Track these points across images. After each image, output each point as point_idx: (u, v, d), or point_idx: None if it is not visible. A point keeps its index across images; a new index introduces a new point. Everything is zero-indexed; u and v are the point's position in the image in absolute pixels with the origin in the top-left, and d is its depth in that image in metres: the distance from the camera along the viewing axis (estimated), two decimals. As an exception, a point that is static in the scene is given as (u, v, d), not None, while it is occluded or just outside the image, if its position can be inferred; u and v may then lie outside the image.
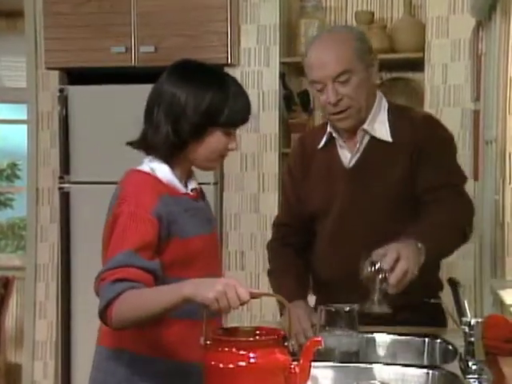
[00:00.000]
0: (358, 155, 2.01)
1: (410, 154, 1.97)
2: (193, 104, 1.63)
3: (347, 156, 2.02)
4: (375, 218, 1.98)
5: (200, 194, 1.77)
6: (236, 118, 1.67)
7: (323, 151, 2.06)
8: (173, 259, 1.60)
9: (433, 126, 2.04)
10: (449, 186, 1.95)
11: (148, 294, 1.50)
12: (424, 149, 1.97)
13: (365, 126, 1.99)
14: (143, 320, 1.49)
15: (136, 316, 1.48)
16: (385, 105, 2.04)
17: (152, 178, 1.65)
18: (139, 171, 1.67)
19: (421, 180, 1.97)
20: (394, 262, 1.71)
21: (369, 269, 1.66)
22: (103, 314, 1.50)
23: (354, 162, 2.01)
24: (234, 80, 1.70)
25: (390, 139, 1.99)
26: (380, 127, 2.00)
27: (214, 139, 1.66)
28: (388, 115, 2.02)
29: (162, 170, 1.66)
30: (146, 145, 1.69)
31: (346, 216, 2.01)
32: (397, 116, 2.02)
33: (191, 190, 1.72)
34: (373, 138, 2.00)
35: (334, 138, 2.04)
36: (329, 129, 2.05)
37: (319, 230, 2.08)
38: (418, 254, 1.77)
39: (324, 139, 2.06)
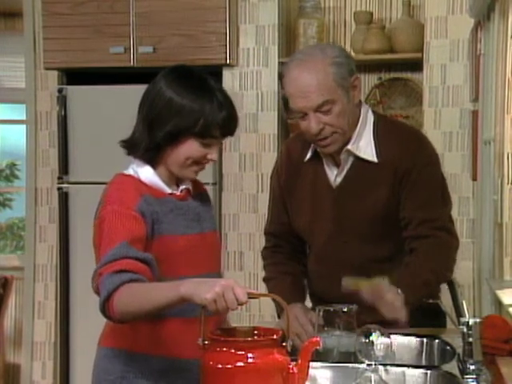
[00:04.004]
0: (343, 174, 1.98)
1: (395, 174, 1.94)
2: (168, 111, 1.63)
3: (333, 173, 2.00)
4: (364, 237, 1.97)
5: (198, 195, 1.78)
6: (212, 129, 1.65)
7: (309, 165, 2.03)
8: (158, 259, 1.61)
9: (419, 148, 1.98)
10: (426, 222, 1.92)
11: (147, 288, 1.50)
12: (409, 173, 1.93)
13: (349, 147, 1.95)
14: (142, 314, 1.50)
15: (135, 309, 1.48)
16: (370, 119, 1.99)
17: (134, 179, 1.67)
18: (123, 174, 1.69)
19: (402, 211, 1.95)
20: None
21: (363, 339, 1.65)
22: (105, 306, 1.50)
23: (339, 181, 1.99)
24: (221, 92, 1.68)
25: (375, 159, 1.95)
26: (365, 146, 1.96)
27: (188, 148, 1.65)
28: (374, 131, 1.97)
29: (144, 172, 1.68)
30: (128, 144, 1.71)
31: (332, 236, 2.00)
32: (383, 132, 1.97)
33: (181, 191, 1.73)
34: (358, 158, 1.96)
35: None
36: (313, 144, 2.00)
37: (309, 243, 2.09)
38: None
39: (310, 152, 2.02)
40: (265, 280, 2.14)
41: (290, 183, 2.06)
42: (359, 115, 1.97)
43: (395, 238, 1.97)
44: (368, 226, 1.97)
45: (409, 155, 1.95)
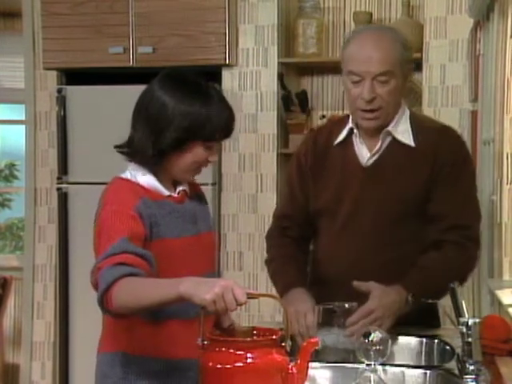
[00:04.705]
0: (378, 155, 2.01)
1: (431, 165, 1.97)
2: (175, 118, 1.64)
3: (365, 155, 2.02)
4: (386, 220, 1.98)
5: (194, 196, 1.79)
6: (218, 132, 1.67)
7: (339, 147, 2.05)
8: (156, 261, 1.60)
9: (458, 143, 2.04)
10: (458, 228, 1.95)
11: (146, 283, 1.50)
12: (445, 170, 1.96)
13: (389, 128, 1.99)
14: (139, 309, 1.50)
15: (133, 303, 1.48)
16: (407, 113, 2.05)
17: (132, 183, 1.68)
18: (121, 178, 1.70)
19: (433, 209, 1.97)
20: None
21: (362, 339, 1.65)
22: (103, 298, 1.49)
23: (372, 161, 2.01)
24: (218, 94, 1.70)
25: (412, 144, 1.99)
26: (403, 131, 2.01)
27: (195, 153, 1.67)
28: (410, 123, 2.03)
29: (143, 176, 1.68)
30: (128, 150, 1.71)
31: (357, 214, 2.00)
32: (419, 126, 2.03)
33: (178, 193, 1.73)
34: (395, 141, 2.00)
35: (351, 134, 2.04)
36: (350, 124, 2.03)
37: (326, 226, 2.07)
38: (402, 306, 1.85)
39: (343, 134, 2.04)
40: (268, 261, 2.13)
41: (317, 166, 2.07)
42: (400, 106, 2.03)
43: (420, 224, 1.98)
44: (395, 208, 1.97)
45: (448, 147, 1.99)
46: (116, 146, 1.73)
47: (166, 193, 1.70)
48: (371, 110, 1.95)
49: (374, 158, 2.01)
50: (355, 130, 2.03)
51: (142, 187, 1.67)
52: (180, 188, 1.74)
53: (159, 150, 1.66)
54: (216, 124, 1.66)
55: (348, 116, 2.07)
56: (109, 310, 1.51)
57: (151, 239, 1.62)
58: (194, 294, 1.37)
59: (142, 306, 1.48)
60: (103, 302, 1.49)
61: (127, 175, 1.70)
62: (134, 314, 1.54)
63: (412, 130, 2.01)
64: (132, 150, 1.70)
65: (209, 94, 1.68)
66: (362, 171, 2.01)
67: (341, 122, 2.09)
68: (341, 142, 2.05)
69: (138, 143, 1.68)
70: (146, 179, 1.68)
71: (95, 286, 1.53)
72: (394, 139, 2.00)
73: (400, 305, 1.86)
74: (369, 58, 1.92)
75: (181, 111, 1.64)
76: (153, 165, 1.68)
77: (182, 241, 1.68)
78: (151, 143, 1.66)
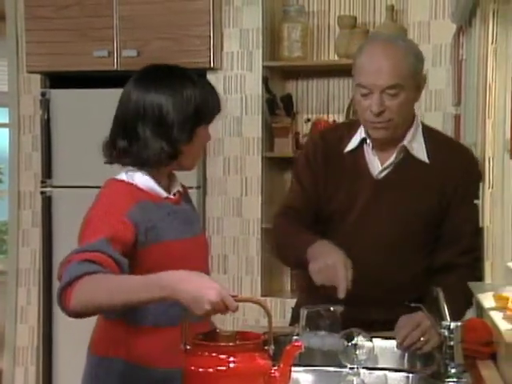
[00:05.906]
0: (390, 169, 2.00)
1: (444, 184, 1.97)
2: (179, 111, 1.63)
3: (377, 167, 2.00)
4: (392, 234, 1.98)
5: (183, 197, 1.78)
6: (215, 111, 1.71)
7: (350, 155, 2.02)
8: (155, 265, 1.58)
9: (472, 168, 2.06)
10: (471, 252, 2.01)
11: (121, 280, 1.44)
12: (459, 192, 1.98)
13: (405, 143, 1.98)
14: (107, 306, 1.43)
15: (100, 300, 1.41)
16: (420, 125, 2.04)
17: (130, 186, 1.64)
18: (117, 180, 1.66)
19: (447, 231, 1.99)
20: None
21: (346, 343, 1.65)
22: (62, 293, 1.43)
23: (384, 174, 2.00)
24: (201, 77, 1.73)
25: (426, 160, 1.99)
26: (417, 147, 2.00)
27: (202, 136, 1.70)
28: (424, 138, 2.02)
29: (140, 178, 1.65)
30: (134, 160, 1.65)
31: (363, 226, 1.99)
32: (432, 141, 2.02)
33: (173, 194, 1.72)
34: (408, 156, 1.99)
35: (363, 144, 2.01)
36: (363, 134, 2.01)
37: (332, 232, 2.03)
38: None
39: (354, 143, 2.02)
40: (278, 245, 2.06)
41: (325, 168, 2.04)
42: (414, 117, 2.02)
43: (425, 242, 1.99)
44: (403, 223, 1.97)
45: (464, 169, 2.01)
46: (108, 163, 1.69)
47: (164, 194, 1.69)
48: (379, 122, 1.93)
49: (387, 172, 2.00)
50: (368, 140, 2.00)
51: (139, 189, 1.64)
52: (175, 189, 1.73)
53: (175, 148, 1.64)
54: (212, 103, 1.69)
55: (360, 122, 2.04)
56: (65, 308, 1.44)
57: (149, 245, 1.60)
58: (183, 303, 1.34)
59: (114, 303, 1.40)
60: (61, 297, 1.43)
61: (123, 177, 1.66)
62: (96, 312, 1.49)
63: (425, 146, 2.01)
64: (139, 159, 1.64)
65: (194, 78, 1.69)
66: (373, 183, 1.99)
67: (352, 127, 2.05)
68: (352, 150, 2.02)
69: (146, 151, 1.62)
70: (144, 181, 1.65)
71: (60, 279, 1.47)
72: (408, 154, 1.99)
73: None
74: (377, 71, 1.89)
75: (181, 102, 1.63)
76: (165, 167, 1.68)
77: (181, 243, 1.67)
78: (165, 145, 1.62)
